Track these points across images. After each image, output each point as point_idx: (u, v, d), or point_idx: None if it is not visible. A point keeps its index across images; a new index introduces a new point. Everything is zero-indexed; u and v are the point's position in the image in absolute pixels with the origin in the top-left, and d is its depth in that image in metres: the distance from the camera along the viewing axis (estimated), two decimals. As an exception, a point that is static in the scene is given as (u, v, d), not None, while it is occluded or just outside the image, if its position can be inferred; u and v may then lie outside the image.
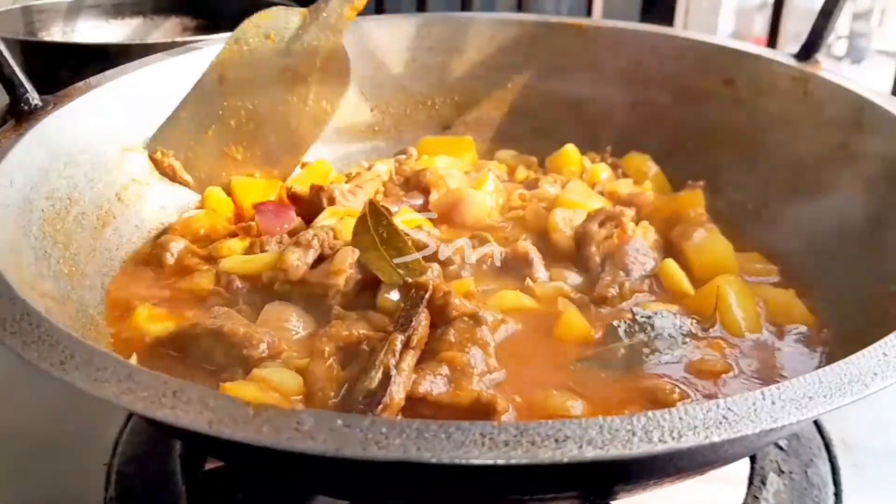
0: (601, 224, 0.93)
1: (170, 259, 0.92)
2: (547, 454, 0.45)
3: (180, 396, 0.49)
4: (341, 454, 0.45)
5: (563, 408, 0.70)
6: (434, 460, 0.44)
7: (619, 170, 1.13)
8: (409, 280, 0.79)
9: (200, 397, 0.49)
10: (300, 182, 1.06)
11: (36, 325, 0.56)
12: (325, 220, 0.95)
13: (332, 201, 0.97)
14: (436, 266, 0.86)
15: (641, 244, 0.93)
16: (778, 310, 0.86)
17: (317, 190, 0.99)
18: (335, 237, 0.89)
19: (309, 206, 0.98)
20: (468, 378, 0.71)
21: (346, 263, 0.82)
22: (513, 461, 0.45)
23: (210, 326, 0.75)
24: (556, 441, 0.45)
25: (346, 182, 1.06)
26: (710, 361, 0.77)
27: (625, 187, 1.06)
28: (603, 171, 1.10)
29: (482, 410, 0.67)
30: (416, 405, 0.68)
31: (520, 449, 0.45)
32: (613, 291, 0.87)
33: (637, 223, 0.96)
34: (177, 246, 0.93)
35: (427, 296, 0.76)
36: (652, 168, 1.12)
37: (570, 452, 0.45)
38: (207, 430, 0.47)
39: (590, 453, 0.45)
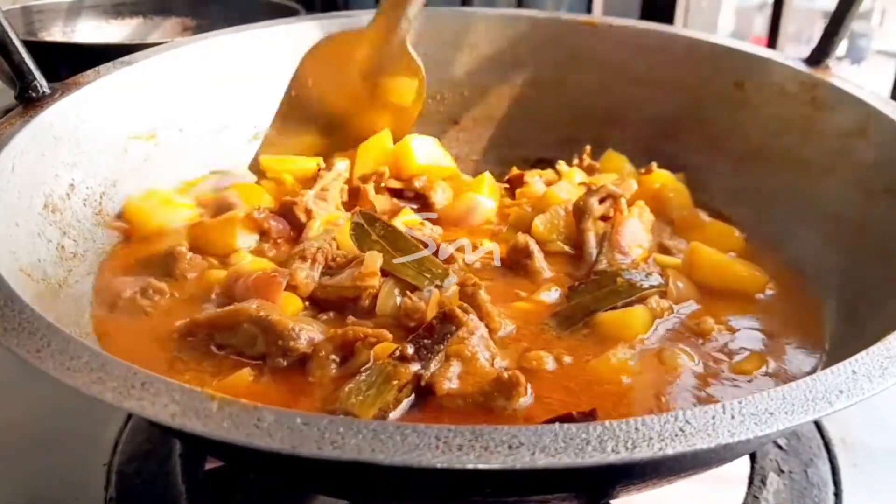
0: (601, 201, 0.95)
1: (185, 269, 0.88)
2: (499, 460, 0.45)
3: (148, 388, 0.50)
4: (297, 452, 0.46)
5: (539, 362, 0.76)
6: (386, 462, 0.45)
7: (595, 173, 1.11)
8: (446, 310, 0.76)
9: (167, 390, 0.50)
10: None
11: (18, 311, 0.57)
12: (316, 230, 0.95)
13: (309, 214, 0.96)
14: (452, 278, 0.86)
15: (638, 225, 0.94)
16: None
17: (289, 205, 0.97)
18: (338, 247, 0.89)
19: (286, 220, 0.97)
20: (479, 362, 0.73)
21: (378, 266, 0.83)
22: (466, 465, 0.45)
23: (256, 314, 0.76)
24: (510, 447, 0.46)
25: (309, 189, 1.03)
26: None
27: (607, 179, 1.06)
28: (577, 175, 1.09)
29: (506, 387, 0.69)
30: (443, 400, 0.69)
31: (472, 454, 0.45)
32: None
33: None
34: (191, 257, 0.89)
35: (457, 332, 0.74)
36: (629, 168, 1.11)
37: (522, 459, 0.45)
38: (171, 423, 0.48)
39: (541, 461, 0.45)
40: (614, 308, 0.82)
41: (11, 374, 0.90)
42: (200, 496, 0.76)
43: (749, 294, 0.89)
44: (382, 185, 1.08)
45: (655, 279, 0.86)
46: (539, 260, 0.91)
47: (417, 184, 1.07)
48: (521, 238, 0.92)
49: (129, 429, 0.83)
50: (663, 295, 0.86)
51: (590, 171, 1.11)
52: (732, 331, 0.83)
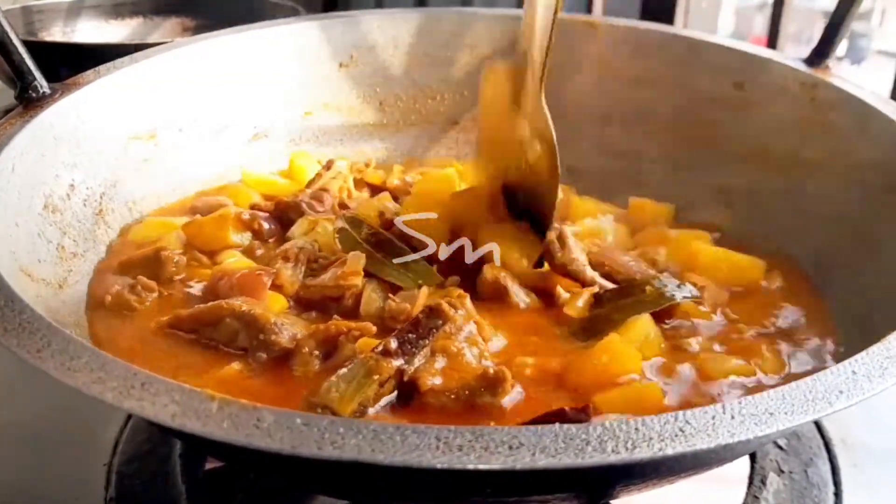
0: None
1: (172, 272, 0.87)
2: (499, 460, 0.45)
3: (148, 388, 0.50)
4: (297, 452, 0.46)
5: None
6: (387, 462, 0.45)
7: None
8: (432, 304, 0.75)
9: (167, 390, 0.50)
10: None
11: (19, 312, 0.58)
12: (298, 230, 0.94)
13: (300, 214, 0.96)
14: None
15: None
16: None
17: (283, 207, 0.98)
18: (320, 249, 0.89)
19: (280, 220, 0.97)
20: (464, 358, 0.72)
21: (360, 265, 0.83)
22: (466, 466, 0.45)
23: (239, 309, 0.76)
24: (510, 448, 0.46)
25: (307, 187, 1.04)
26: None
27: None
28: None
29: (491, 383, 0.68)
30: (426, 396, 0.68)
31: (473, 454, 0.45)
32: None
33: None
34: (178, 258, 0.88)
35: (443, 327, 0.74)
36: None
37: (522, 459, 0.45)
38: (170, 423, 0.48)
39: (542, 461, 0.45)
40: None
41: (11, 374, 0.90)
42: (200, 496, 0.76)
43: (754, 282, 0.90)
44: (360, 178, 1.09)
45: (689, 290, 0.84)
46: (516, 293, 0.85)
47: (396, 181, 1.08)
48: (489, 273, 0.85)
49: (129, 429, 0.83)
50: (699, 303, 0.84)
51: None
52: (741, 332, 0.83)
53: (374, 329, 0.75)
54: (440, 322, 0.73)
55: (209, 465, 0.79)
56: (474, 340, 0.75)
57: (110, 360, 0.53)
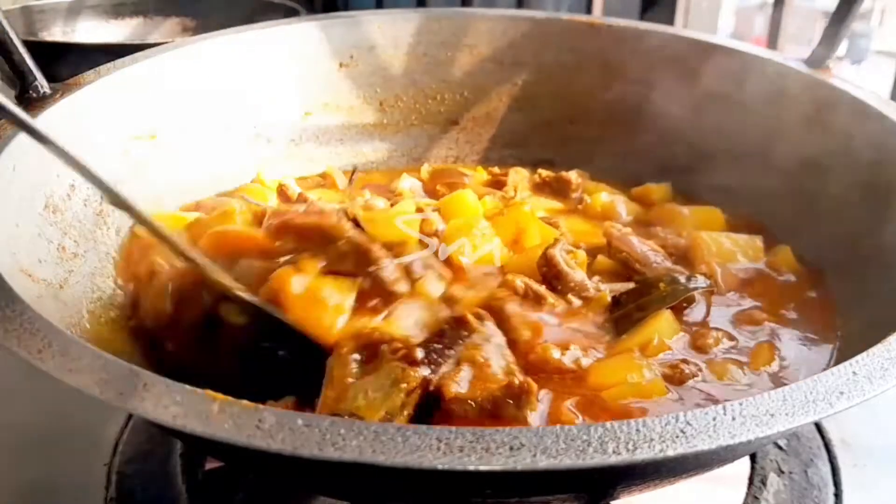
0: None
1: None
2: (500, 461, 0.45)
3: (150, 389, 0.50)
4: (298, 453, 0.46)
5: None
6: (387, 463, 0.45)
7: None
8: (458, 315, 0.76)
9: (169, 391, 0.50)
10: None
11: (20, 312, 0.57)
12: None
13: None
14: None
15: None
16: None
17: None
18: None
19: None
20: (490, 369, 0.71)
21: None
22: (467, 467, 0.45)
23: (356, 239, 0.80)
24: (511, 448, 0.46)
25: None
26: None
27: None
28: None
29: (516, 394, 0.68)
30: (451, 404, 0.68)
31: (474, 455, 0.45)
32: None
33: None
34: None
35: (468, 338, 0.74)
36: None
37: (523, 460, 0.45)
38: (172, 424, 0.48)
39: (543, 462, 0.45)
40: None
41: (12, 375, 0.90)
42: (200, 496, 0.76)
43: (755, 260, 0.93)
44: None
45: (702, 281, 0.85)
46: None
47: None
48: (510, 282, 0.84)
49: (129, 429, 0.83)
50: (712, 292, 0.86)
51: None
52: (755, 322, 0.84)
53: (416, 343, 0.73)
54: (465, 333, 0.73)
55: (209, 465, 0.80)
56: (503, 352, 0.74)
57: (111, 360, 0.53)
